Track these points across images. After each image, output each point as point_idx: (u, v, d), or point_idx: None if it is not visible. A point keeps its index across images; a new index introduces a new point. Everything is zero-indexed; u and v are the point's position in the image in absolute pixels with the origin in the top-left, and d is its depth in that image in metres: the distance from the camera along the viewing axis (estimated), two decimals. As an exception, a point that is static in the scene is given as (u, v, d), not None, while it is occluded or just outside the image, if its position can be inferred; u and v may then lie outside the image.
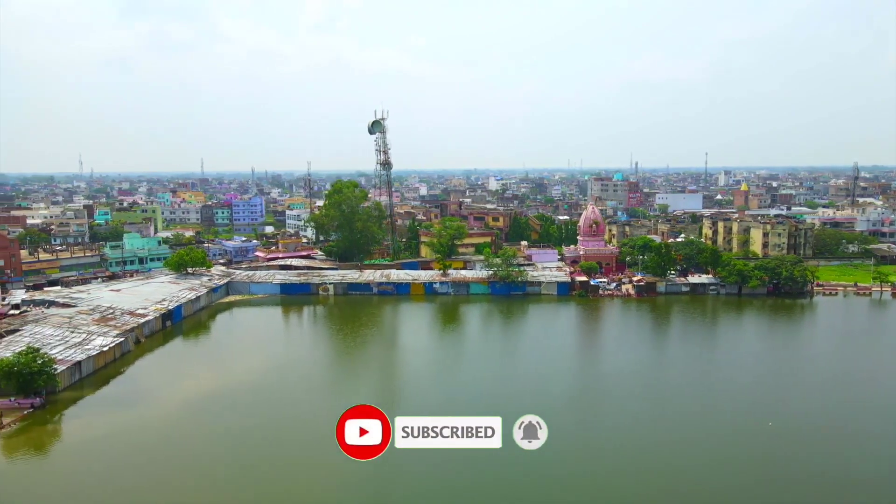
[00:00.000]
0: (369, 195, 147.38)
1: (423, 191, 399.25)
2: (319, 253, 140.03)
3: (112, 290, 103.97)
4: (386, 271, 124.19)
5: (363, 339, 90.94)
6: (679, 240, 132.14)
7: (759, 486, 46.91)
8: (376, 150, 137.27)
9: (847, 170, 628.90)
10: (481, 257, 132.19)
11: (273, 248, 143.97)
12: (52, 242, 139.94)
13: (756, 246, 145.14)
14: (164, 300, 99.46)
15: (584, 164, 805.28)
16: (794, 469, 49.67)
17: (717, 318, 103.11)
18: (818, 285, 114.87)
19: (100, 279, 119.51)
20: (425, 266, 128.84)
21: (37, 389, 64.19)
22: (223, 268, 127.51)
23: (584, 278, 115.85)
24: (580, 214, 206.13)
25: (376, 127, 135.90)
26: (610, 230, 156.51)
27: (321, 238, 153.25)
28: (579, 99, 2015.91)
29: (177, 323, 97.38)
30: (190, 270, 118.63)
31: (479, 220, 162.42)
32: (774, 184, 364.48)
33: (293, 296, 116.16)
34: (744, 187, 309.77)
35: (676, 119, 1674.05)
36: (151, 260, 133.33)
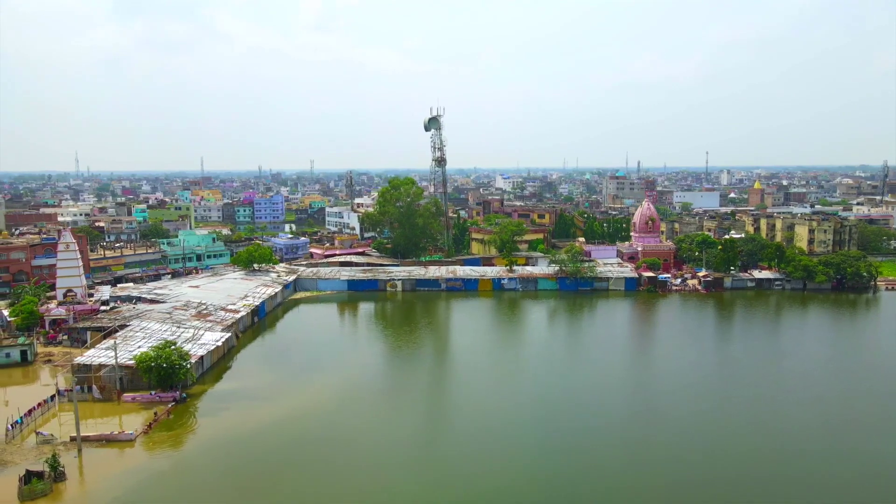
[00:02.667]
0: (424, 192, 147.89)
1: (431, 190, 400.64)
2: (373, 250, 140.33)
3: (191, 287, 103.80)
4: (451, 268, 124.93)
5: (451, 335, 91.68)
6: (737, 236, 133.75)
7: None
8: (432, 146, 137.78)
9: (844, 169, 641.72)
10: (539, 253, 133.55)
11: (328, 244, 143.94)
12: (109, 239, 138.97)
13: (802, 242, 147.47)
14: (247, 296, 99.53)
15: (580, 163, 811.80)
16: None
17: (789, 312, 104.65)
18: (881, 280, 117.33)
19: (163, 275, 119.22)
20: (487, 262, 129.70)
21: (174, 383, 64.43)
22: (285, 265, 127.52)
23: (650, 274, 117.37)
24: (603, 212, 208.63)
25: (432, 124, 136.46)
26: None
27: (366, 236, 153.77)
28: (573, 98, 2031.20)
29: (262, 319, 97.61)
30: (256, 267, 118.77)
31: (523, 216, 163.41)
32: (785, 182, 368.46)
33: (360, 292, 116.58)
34: (757, 185, 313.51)
35: (671, 118, 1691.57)
36: (209, 257, 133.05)
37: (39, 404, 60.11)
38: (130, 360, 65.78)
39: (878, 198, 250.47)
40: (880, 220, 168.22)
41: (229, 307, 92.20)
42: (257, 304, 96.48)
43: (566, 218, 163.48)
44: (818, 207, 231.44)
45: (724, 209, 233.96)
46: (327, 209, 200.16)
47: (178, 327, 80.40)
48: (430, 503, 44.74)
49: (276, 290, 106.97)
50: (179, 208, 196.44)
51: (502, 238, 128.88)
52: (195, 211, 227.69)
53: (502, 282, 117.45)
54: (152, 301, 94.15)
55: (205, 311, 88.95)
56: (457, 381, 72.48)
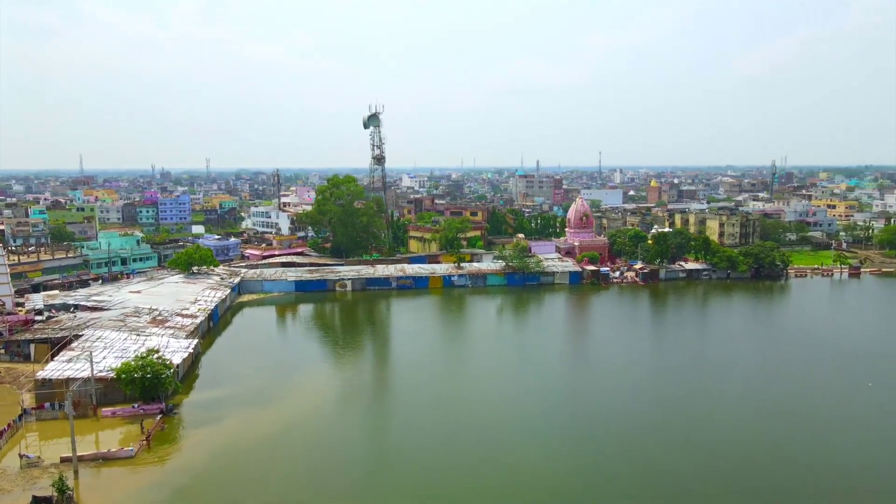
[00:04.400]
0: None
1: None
2: (311, 250, 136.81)
3: (132, 292, 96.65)
4: (399, 266, 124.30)
5: (419, 335, 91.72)
6: (665, 230, 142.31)
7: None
8: (371, 144, 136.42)
9: (712, 169, 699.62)
10: (482, 250, 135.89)
11: (265, 245, 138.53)
12: (15, 244, 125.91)
13: (713, 235, 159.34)
14: (198, 301, 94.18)
15: (476, 163, 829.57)
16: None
17: (722, 298, 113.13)
18: (791, 268, 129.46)
19: (90, 281, 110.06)
20: (432, 260, 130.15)
21: (158, 394, 60.15)
22: (225, 267, 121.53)
23: (593, 268, 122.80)
24: (516, 209, 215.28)
25: (372, 121, 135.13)
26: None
27: (298, 235, 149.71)
28: (467, 99, 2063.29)
29: (216, 323, 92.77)
30: (195, 270, 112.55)
31: (455, 214, 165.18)
32: (676, 181, 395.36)
33: (309, 293, 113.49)
34: (653, 184, 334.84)
35: (561, 119, 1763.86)
36: (135, 260, 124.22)
37: (9, 425, 54.13)
38: (108, 371, 60.68)
39: (763, 194, 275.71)
40: (774, 215, 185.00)
41: (184, 312, 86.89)
42: (212, 308, 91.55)
43: (498, 215, 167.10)
44: (712, 204, 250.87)
45: (629, 206, 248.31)
46: (252, 209, 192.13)
47: (139, 335, 74.92)
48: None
49: (226, 293, 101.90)
50: (82, 209, 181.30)
51: (447, 236, 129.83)
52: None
53: (452, 279, 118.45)
54: (94, 308, 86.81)
55: (160, 318, 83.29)
56: (445, 377, 72.58)
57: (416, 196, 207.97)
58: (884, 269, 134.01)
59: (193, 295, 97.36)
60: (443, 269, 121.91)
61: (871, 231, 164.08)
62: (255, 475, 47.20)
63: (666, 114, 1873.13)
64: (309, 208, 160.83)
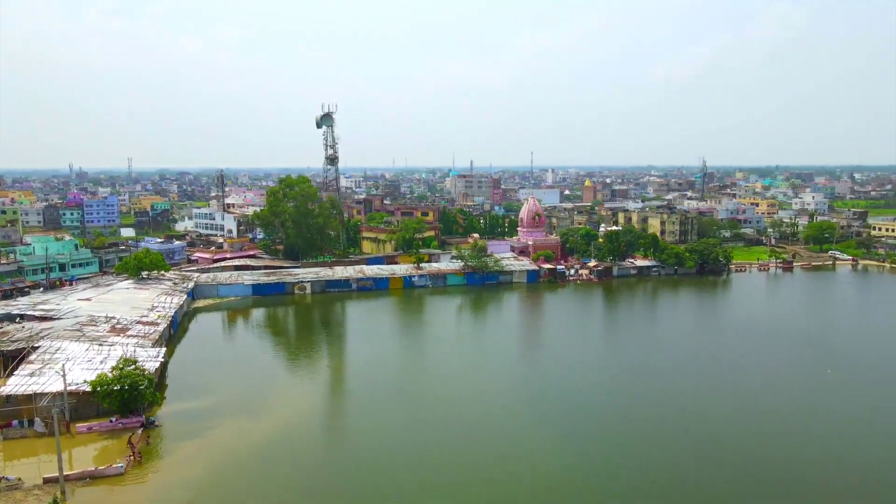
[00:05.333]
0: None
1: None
2: (264, 253, 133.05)
3: (81, 300, 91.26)
4: (358, 267, 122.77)
5: (387, 336, 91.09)
6: (615, 228, 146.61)
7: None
8: (324, 144, 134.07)
9: (634, 168, 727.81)
10: (439, 250, 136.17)
11: (214, 248, 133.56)
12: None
13: (655, 232, 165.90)
14: (155, 307, 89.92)
15: (408, 163, 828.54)
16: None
17: (673, 292, 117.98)
18: (732, 264, 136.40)
19: (28, 290, 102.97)
20: (391, 261, 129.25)
21: (136, 407, 57.15)
22: (176, 271, 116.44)
23: (550, 266, 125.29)
24: (465, 209, 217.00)
25: (325, 121, 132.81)
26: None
27: (249, 237, 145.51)
28: (396, 99, 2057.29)
29: (176, 330, 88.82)
30: (145, 275, 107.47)
31: (406, 215, 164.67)
32: (608, 180, 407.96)
33: (267, 296, 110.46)
34: (588, 183, 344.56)
35: (490, 120, 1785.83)
36: (74, 266, 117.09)
37: (-23, 446, 50.15)
38: (81, 384, 57.08)
39: (690, 192, 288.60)
40: (708, 213, 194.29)
41: (144, 320, 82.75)
42: (172, 314, 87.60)
43: (449, 215, 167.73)
44: (647, 203, 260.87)
45: (566, 205, 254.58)
46: (194, 210, 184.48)
47: (101, 345, 70.84)
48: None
49: (183, 298, 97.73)
50: (4, 212, 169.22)
51: (405, 236, 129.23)
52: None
53: (413, 279, 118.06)
54: (43, 318, 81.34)
55: (119, 326, 79.00)
56: (428, 376, 72.35)
57: (365, 196, 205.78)
58: (813, 264, 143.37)
59: (149, 301, 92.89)
60: (403, 269, 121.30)
61: (796, 227, 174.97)
62: (261, 486, 45.63)
63: (591, 115, 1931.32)
64: (251, 210, 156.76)
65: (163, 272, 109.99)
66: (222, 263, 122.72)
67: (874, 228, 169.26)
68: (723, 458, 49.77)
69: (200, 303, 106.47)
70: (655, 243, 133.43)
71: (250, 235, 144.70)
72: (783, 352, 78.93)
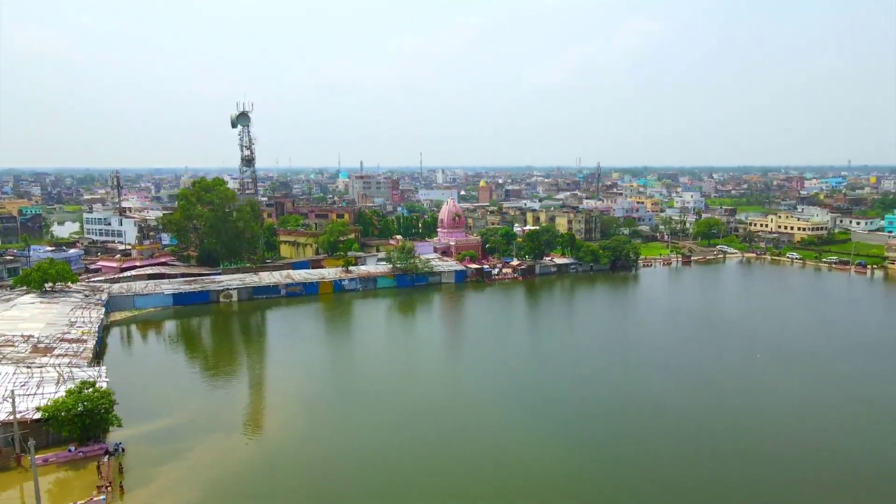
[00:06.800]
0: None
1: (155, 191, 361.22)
2: (175, 260, 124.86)
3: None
4: (285, 272, 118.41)
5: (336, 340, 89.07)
6: (532, 228, 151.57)
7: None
8: (240, 144, 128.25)
9: (514, 169, 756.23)
10: (363, 253, 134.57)
11: (120, 256, 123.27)
12: None
13: (563, 230, 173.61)
14: (74, 323, 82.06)
15: (293, 163, 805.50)
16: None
17: (595, 288, 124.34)
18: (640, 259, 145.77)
19: None
20: (316, 265, 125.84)
21: (97, 433, 52.21)
22: (84, 283, 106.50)
23: (476, 266, 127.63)
24: (378, 210, 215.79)
25: (241, 120, 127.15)
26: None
27: (145, 243, 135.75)
28: (277, 98, 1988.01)
29: (100, 346, 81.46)
30: (48, 287, 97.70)
31: (321, 217, 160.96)
32: (500, 181, 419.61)
33: (189, 306, 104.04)
34: (482, 184, 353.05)
35: (377, 120, 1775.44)
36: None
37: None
38: (29, 412, 51.14)
39: (578, 192, 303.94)
40: (606, 212, 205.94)
41: (68, 337, 75.31)
42: (96, 330, 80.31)
43: (365, 217, 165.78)
44: (545, 202, 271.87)
45: (471, 204, 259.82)
46: (85, 215, 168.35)
47: (29, 367, 63.75)
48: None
49: (101, 312, 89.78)
50: None
51: (330, 239, 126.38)
52: None
53: (343, 283, 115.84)
54: (-57, 340, 71.73)
55: (42, 346, 71.36)
56: (395, 376, 71.70)
57: (277, 198, 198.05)
58: (707, 258, 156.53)
59: (64, 316, 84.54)
60: (332, 273, 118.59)
61: (685, 224, 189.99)
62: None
63: (473, 117, 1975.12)
64: (153, 214, 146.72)
65: (69, 284, 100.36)
66: (133, 273, 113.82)
67: (751, 224, 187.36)
68: (671, 425, 53.77)
69: (116, 316, 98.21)
70: (573, 242, 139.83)
71: (160, 241, 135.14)
72: (714, 338, 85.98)
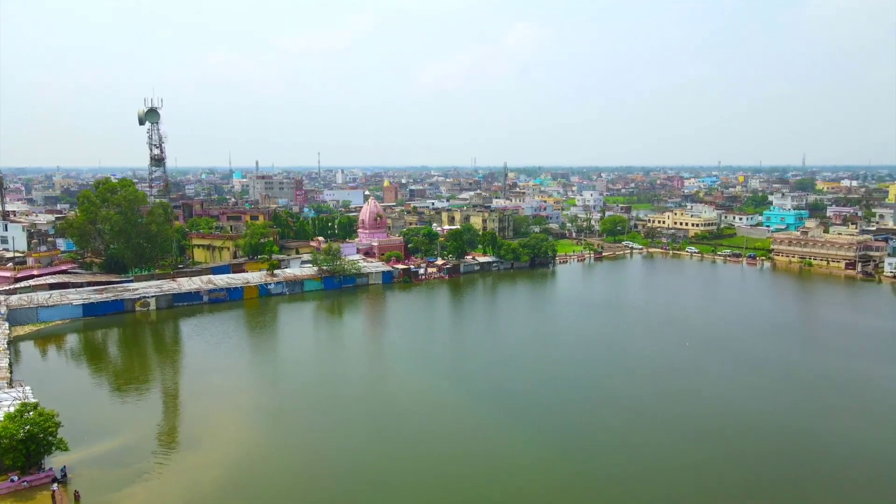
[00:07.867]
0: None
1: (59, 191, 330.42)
2: (78, 268, 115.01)
3: None
4: (205, 277, 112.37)
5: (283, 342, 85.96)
6: (453, 228, 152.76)
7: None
8: (149, 143, 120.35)
9: (412, 168, 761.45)
10: (284, 256, 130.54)
11: (14, 265, 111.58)
12: None
13: (478, 229, 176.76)
14: (-23, 339, 73.86)
15: (178, 163, 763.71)
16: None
17: (519, 284, 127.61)
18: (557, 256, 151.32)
19: None
20: (238, 269, 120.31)
21: (39, 460, 47.53)
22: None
23: (404, 266, 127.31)
24: (293, 212, 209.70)
25: (150, 117, 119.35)
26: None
27: (39, 250, 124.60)
28: (158, 93, 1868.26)
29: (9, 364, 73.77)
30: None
31: (234, 219, 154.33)
32: (403, 181, 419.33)
33: (102, 317, 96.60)
34: (387, 184, 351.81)
35: (268, 119, 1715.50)
36: None
37: None
38: (-36, 441, 45.59)
39: (479, 191, 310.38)
40: (513, 211, 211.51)
41: (-25, 356, 67.68)
42: (5, 346, 72.72)
43: (280, 219, 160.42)
44: (453, 202, 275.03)
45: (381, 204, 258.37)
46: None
47: (-59, 392, 56.83)
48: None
49: (5, 326, 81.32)
50: None
51: (252, 242, 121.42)
52: None
53: (269, 287, 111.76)
54: None
55: (-52, 366, 63.71)
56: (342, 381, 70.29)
57: (185, 200, 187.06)
58: (616, 253, 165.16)
59: (-37, 333, 75.88)
60: (256, 277, 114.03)
61: (590, 222, 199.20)
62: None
63: (366, 117, 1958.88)
64: (44, 218, 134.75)
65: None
66: (31, 283, 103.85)
67: (650, 221, 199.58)
68: (623, 414, 57.05)
69: (19, 330, 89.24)
70: (494, 241, 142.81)
71: (44, 247, 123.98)
72: (639, 327, 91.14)
